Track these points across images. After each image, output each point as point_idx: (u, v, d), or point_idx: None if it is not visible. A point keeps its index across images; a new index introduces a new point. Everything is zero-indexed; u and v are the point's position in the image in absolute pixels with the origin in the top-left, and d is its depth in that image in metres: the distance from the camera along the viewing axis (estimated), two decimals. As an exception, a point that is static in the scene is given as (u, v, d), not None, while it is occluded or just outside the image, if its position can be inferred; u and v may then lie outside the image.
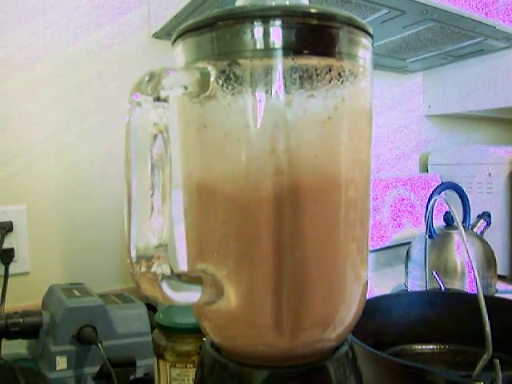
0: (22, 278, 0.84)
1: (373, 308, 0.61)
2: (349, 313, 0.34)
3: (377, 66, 1.30)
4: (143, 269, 0.27)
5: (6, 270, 0.80)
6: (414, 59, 1.25)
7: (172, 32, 0.92)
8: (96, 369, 0.63)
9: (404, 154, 1.46)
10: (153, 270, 0.27)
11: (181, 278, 0.29)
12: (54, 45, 0.88)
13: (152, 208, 0.27)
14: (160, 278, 0.28)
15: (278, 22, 0.28)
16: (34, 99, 0.86)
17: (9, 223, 0.82)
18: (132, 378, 0.64)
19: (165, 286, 0.28)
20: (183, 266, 0.36)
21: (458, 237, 0.94)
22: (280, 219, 0.30)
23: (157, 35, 0.95)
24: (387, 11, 0.88)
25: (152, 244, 0.27)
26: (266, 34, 0.28)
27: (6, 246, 0.81)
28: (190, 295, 0.30)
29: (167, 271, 0.28)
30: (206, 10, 0.82)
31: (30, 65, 0.85)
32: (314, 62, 0.29)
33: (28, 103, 0.85)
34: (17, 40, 0.84)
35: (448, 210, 0.96)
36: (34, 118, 0.86)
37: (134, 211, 0.27)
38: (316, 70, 0.29)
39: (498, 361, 0.41)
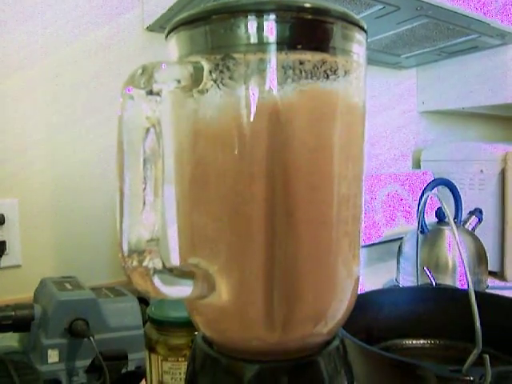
0: (14, 270, 0.84)
1: (364, 303, 0.62)
2: (340, 308, 0.34)
3: (371, 61, 1.30)
4: (135, 263, 0.27)
5: (-2, 262, 0.80)
6: (408, 55, 1.25)
7: (165, 25, 0.92)
8: (88, 362, 0.63)
9: (400, 151, 1.47)
10: (144, 264, 0.27)
11: (172, 273, 0.29)
12: (52, 45, 0.87)
13: (144, 202, 0.27)
14: (152, 272, 0.28)
15: (272, 17, 0.28)
16: (31, 99, 0.86)
17: (0, 216, 0.81)
18: (124, 371, 0.64)
19: (156, 281, 0.28)
20: (175, 261, 0.36)
21: (449, 233, 0.95)
22: (272, 214, 0.30)
23: (150, 28, 0.94)
24: (382, 7, 0.88)
25: (144, 238, 0.27)
26: (260, 29, 0.28)
27: (-3, 238, 0.81)
28: (181, 289, 0.30)
29: (159, 265, 0.28)
30: (199, 3, 0.81)
31: (28, 64, 0.85)
32: (307, 56, 0.29)
33: (26, 103, 0.85)
34: (15, 40, 0.84)
35: (440, 206, 0.96)
36: (31, 117, 0.86)
37: (126, 205, 0.27)
38: (309, 64, 0.29)
39: (487, 356, 0.42)
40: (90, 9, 0.90)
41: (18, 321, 0.64)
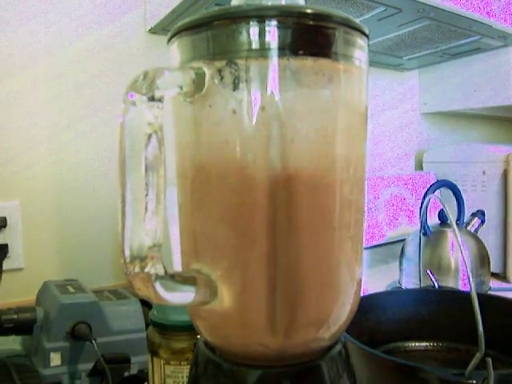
0: (16, 273, 0.84)
1: (367, 305, 0.62)
2: (343, 311, 0.34)
3: (373, 63, 1.30)
4: (137, 269, 0.27)
5: (0, 265, 0.80)
6: (410, 57, 1.25)
7: (168, 27, 0.92)
8: (90, 365, 0.63)
9: (403, 150, 1.47)
10: (146, 270, 0.27)
11: (174, 279, 0.29)
12: (56, 44, 0.88)
13: (146, 208, 0.27)
14: (154, 278, 0.28)
15: (274, 22, 0.28)
16: (35, 98, 0.86)
17: (2, 219, 0.81)
18: (126, 374, 0.64)
19: (158, 287, 0.28)
20: (177, 266, 0.36)
21: (452, 234, 0.95)
22: (274, 219, 0.30)
23: (153, 30, 0.94)
24: (384, 9, 0.88)
25: (146, 244, 0.27)
26: (262, 34, 0.28)
27: (-1, 241, 0.81)
28: (183, 296, 0.30)
29: (161, 272, 0.28)
30: (202, 7, 0.81)
31: (31, 64, 0.85)
32: (309, 62, 0.29)
33: (29, 102, 0.85)
34: (18, 39, 0.84)
35: (442, 207, 0.96)
36: (34, 116, 0.86)
37: (128, 211, 0.27)
38: (311, 70, 0.29)
39: (490, 359, 0.41)
40: (93, 8, 0.91)
41: (20, 324, 0.64)
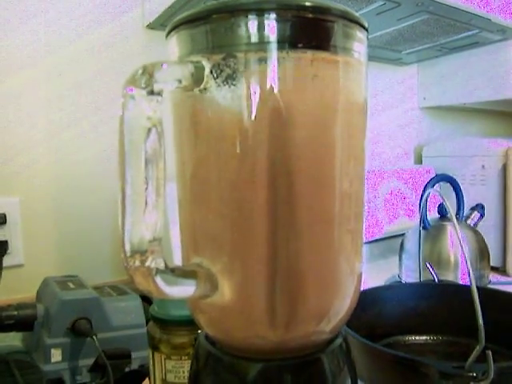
0: (16, 270, 0.84)
1: (367, 299, 0.62)
2: (343, 305, 0.34)
3: (371, 57, 1.29)
4: (137, 263, 0.27)
5: (0, 262, 0.80)
6: (409, 51, 1.25)
7: (166, 23, 0.92)
8: (91, 361, 0.63)
9: (403, 149, 1.47)
10: (147, 264, 0.27)
11: (175, 273, 0.29)
12: (55, 43, 0.87)
13: (146, 202, 0.27)
14: (154, 272, 0.28)
15: (273, 16, 0.28)
16: (34, 97, 0.86)
17: (2, 215, 0.81)
18: (127, 369, 0.64)
19: (159, 281, 0.28)
20: (178, 260, 0.36)
21: (451, 228, 0.95)
22: (274, 212, 0.30)
23: (151, 26, 0.94)
24: (382, 3, 0.87)
25: (146, 238, 0.27)
26: (261, 28, 0.28)
27: (-1, 238, 0.81)
28: (184, 289, 0.30)
29: (161, 265, 0.28)
30: (200, 1, 0.81)
31: (31, 63, 0.85)
32: (308, 55, 0.29)
33: (29, 101, 0.85)
34: (18, 38, 0.84)
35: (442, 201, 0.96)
36: (34, 116, 0.86)
37: (128, 205, 0.27)
38: (310, 63, 0.29)
39: (490, 352, 0.42)
40: (93, 7, 0.91)
41: (20, 320, 0.64)
